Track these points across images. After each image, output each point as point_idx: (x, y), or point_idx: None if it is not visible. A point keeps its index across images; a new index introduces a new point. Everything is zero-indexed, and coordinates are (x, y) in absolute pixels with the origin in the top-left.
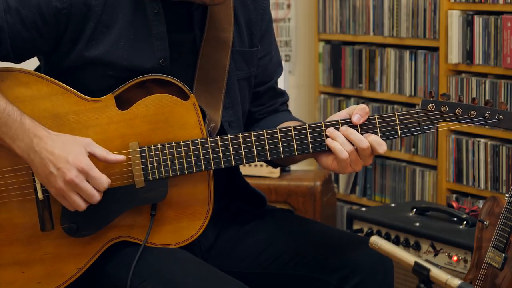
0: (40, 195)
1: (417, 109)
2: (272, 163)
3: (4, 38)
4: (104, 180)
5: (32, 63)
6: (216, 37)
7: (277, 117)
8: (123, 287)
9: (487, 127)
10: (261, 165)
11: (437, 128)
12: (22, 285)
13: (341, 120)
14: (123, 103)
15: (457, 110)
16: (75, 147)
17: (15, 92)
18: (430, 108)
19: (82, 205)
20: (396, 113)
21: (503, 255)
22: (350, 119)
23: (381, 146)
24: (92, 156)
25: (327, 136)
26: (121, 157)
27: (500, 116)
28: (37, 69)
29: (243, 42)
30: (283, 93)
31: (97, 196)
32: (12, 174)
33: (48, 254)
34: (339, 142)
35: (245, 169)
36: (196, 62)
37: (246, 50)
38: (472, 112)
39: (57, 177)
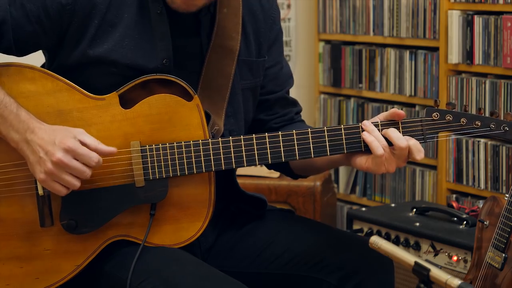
0: (41, 191)
1: (421, 118)
2: (292, 174)
3: (7, 31)
4: (93, 156)
5: (38, 60)
6: (223, 45)
7: (296, 127)
8: (123, 287)
9: None
10: (261, 165)
11: (449, 137)
12: (20, 280)
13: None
14: (126, 102)
15: (462, 119)
16: (63, 132)
17: (20, 87)
18: (435, 116)
19: (75, 183)
20: (399, 121)
21: (503, 255)
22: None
23: (419, 153)
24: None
25: (362, 130)
26: (113, 149)
27: (506, 127)
28: (43, 66)
29: (250, 52)
30: (295, 103)
31: (88, 172)
32: (13, 169)
33: (47, 250)
34: (375, 136)
35: (245, 169)
36: (201, 69)
37: (252, 60)
38: (477, 122)
39: (46, 160)
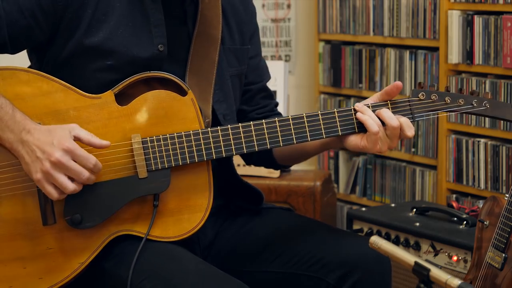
0: None
1: (408, 98)
2: (275, 165)
3: (1, 27)
4: (92, 158)
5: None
6: (207, 33)
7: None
8: (123, 286)
9: (487, 126)
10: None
11: (437, 115)
12: (24, 281)
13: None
14: (122, 100)
15: (447, 98)
16: (60, 131)
17: (15, 90)
18: (421, 97)
19: (69, 186)
20: (389, 101)
21: (503, 255)
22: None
23: (410, 129)
24: (78, 141)
25: (355, 112)
26: (106, 142)
27: (487, 104)
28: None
29: (234, 40)
30: (273, 96)
31: (85, 173)
32: (13, 168)
33: (50, 249)
34: (368, 115)
35: (245, 169)
36: (188, 57)
37: (237, 48)
38: (460, 101)
39: (43, 160)
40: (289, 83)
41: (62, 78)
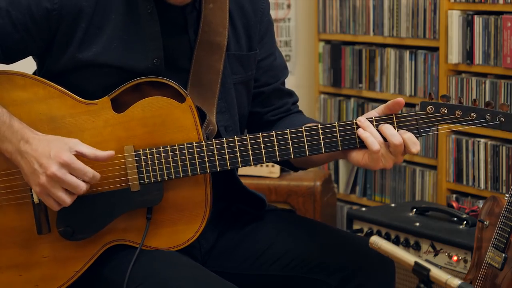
0: (36, 199)
1: (415, 112)
2: (292, 167)
3: None
4: (89, 170)
5: (30, 67)
6: (210, 41)
7: (294, 119)
8: None
9: None
10: (261, 165)
11: (437, 131)
12: None
13: (375, 118)
14: (119, 106)
15: (457, 112)
16: (58, 144)
17: (11, 95)
18: (429, 110)
19: (67, 200)
20: (394, 115)
21: (503, 255)
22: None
23: (415, 146)
24: (80, 156)
25: (357, 126)
26: (111, 152)
27: (501, 118)
28: (34, 73)
29: (240, 46)
30: (291, 93)
31: (82, 186)
32: (7, 178)
33: (45, 257)
34: (370, 132)
35: (245, 169)
36: (190, 67)
37: (243, 54)
38: (472, 114)
39: (39, 173)
40: (289, 83)
41: (61, 84)
